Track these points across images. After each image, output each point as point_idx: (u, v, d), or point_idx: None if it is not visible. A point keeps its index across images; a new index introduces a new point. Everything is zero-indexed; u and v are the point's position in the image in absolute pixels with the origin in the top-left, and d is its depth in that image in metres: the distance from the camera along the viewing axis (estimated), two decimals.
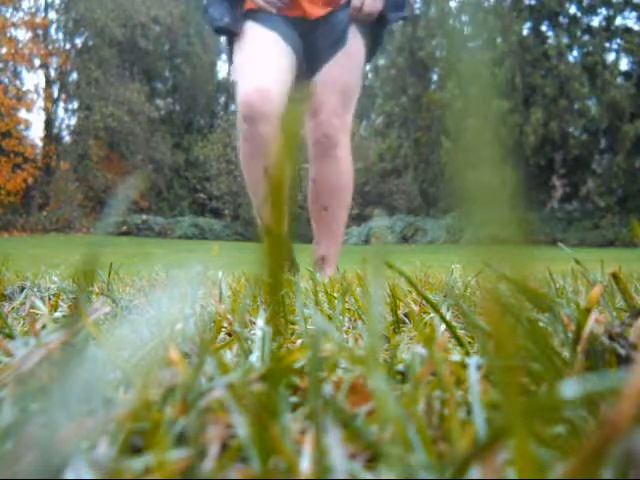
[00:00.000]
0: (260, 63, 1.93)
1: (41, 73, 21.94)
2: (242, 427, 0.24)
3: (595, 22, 17.14)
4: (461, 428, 0.24)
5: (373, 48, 2.17)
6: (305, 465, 0.22)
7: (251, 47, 1.99)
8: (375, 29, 2.11)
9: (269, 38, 1.98)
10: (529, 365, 0.23)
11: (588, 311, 0.35)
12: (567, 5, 16.97)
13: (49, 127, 21.62)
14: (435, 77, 19.76)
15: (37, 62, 21.47)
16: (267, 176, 0.22)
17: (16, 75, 21.37)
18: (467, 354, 0.40)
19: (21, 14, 21.59)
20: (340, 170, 2.07)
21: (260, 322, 0.44)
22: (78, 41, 21.98)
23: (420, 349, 0.34)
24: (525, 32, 16.88)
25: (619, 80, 16.41)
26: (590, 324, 0.35)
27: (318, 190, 2.10)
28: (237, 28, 2.01)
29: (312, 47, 2.06)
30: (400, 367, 0.35)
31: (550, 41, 16.75)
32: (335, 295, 0.74)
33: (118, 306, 0.73)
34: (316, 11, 2.05)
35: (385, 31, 2.19)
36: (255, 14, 2.02)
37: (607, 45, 16.79)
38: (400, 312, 0.62)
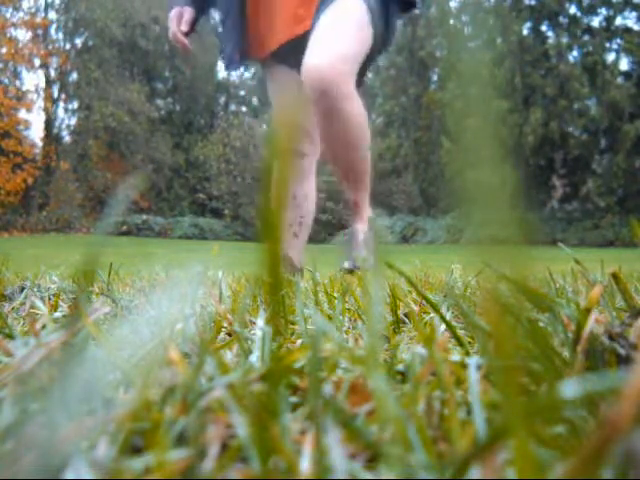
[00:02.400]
0: (282, 99, 2.09)
1: (41, 73, 21.97)
2: (242, 427, 0.24)
3: (595, 22, 17.18)
4: (461, 428, 0.24)
5: (386, 28, 2.05)
6: (305, 465, 0.22)
7: (274, 85, 2.19)
8: (386, 7, 2.02)
9: (285, 73, 2.14)
10: (529, 365, 0.23)
11: (588, 311, 0.35)
12: (567, 5, 16.97)
13: (49, 127, 21.62)
14: (435, 77, 19.76)
15: (37, 62, 21.49)
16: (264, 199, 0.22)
17: (16, 75, 21.38)
18: (467, 354, 0.40)
19: (21, 14, 21.60)
20: (346, 122, 1.95)
21: (260, 322, 0.44)
22: (78, 41, 21.99)
23: (420, 349, 0.34)
24: (525, 32, 16.88)
25: (619, 80, 16.41)
26: (590, 324, 0.35)
27: (331, 149, 2.05)
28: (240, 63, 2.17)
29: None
30: (400, 367, 0.35)
31: (550, 41, 16.75)
32: (335, 295, 0.74)
33: (118, 306, 0.73)
34: (291, 32, 2.06)
35: (396, 15, 2.09)
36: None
37: (607, 45, 16.80)
38: (400, 312, 0.62)
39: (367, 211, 2.10)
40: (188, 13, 2.08)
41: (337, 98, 1.91)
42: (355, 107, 1.97)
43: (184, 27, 2.07)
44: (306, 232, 2.20)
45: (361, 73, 2.04)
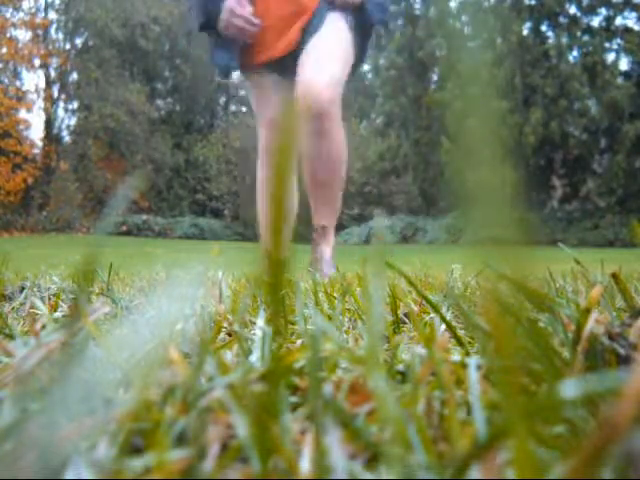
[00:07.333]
0: (270, 103, 2.21)
1: (41, 73, 21.94)
2: (242, 427, 0.24)
3: (595, 22, 17.15)
4: (461, 428, 0.24)
5: (362, 47, 2.18)
6: (305, 465, 0.22)
7: (260, 91, 2.26)
8: (361, 27, 2.13)
9: (271, 80, 2.22)
10: (529, 365, 0.23)
11: (588, 311, 0.35)
12: (567, 5, 16.97)
13: (49, 127, 21.60)
14: (435, 77, 19.75)
15: (37, 62, 21.47)
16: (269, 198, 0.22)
17: (16, 75, 21.36)
18: (467, 354, 0.40)
19: (21, 14, 21.59)
20: (333, 142, 2.07)
21: (260, 322, 0.44)
22: (78, 41, 21.98)
23: (420, 349, 0.34)
24: (525, 32, 16.87)
25: (619, 80, 16.40)
26: (590, 324, 0.35)
27: (314, 167, 2.14)
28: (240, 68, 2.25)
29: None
30: (400, 367, 0.35)
31: (550, 41, 16.74)
32: (335, 295, 0.74)
33: (118, 306, 0.73)
34: (285, 45, 2.14)
35: (370, 30, 2.20)
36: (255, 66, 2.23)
37: (607, 45, 16.79)
38: (400, 312, 0.62)
39: (333, 236, 2.15)
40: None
41: (332, 119, 2.02)
42: (341, 130, 2.11)
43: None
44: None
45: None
